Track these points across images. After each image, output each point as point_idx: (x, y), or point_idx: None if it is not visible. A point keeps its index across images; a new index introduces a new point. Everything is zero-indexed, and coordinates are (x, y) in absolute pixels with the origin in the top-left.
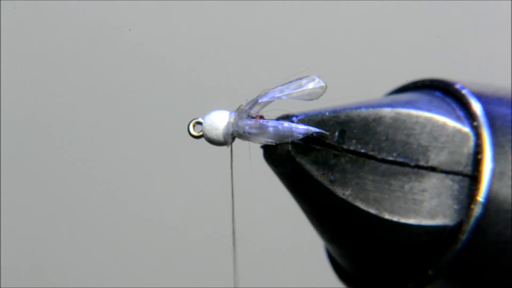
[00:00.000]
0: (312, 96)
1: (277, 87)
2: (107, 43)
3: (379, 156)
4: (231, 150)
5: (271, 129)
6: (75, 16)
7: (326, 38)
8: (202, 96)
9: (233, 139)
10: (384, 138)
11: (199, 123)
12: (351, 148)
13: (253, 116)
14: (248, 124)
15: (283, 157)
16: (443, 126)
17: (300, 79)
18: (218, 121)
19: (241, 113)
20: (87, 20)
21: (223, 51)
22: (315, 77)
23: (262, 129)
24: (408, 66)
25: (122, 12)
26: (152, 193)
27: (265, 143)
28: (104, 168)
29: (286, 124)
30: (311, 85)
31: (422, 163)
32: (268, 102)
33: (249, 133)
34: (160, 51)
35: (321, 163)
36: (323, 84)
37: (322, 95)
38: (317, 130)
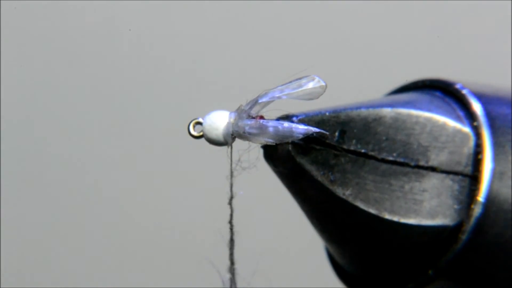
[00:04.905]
0: (312, 95)
1: (277, 87)
2: (107, 43)
3: (379, 156)
4: (231, 150)
5: (271, 129)
6: (75, 16)
7: (326, 38)
8: (202, 96)
9: (233, 139)
10: (384, 138)
11: (199, 123)
12: (351, 148)
13: (253, 116)
14: (248, 124)
15: (284, 157)
16: (443, 126)
17: (300, 78)
18: (218, 121)
19: (241, 113)
20: (87, 20)
21: (223, 51)
22: (315, 77)
23: (262, 129)
24: (408, 66)
25: (122, 12)
26: (152, 193)
27: (265, 143)
28: (104, 168)
29: (286, 124)
30: (311, 85)
31: (422, 163)
32: (268, 102)
33: (249, 133)
34: (160, 51)
35: (321, 163)
36: (323, 84)
37: (322, 94)
38: (317, 130)
